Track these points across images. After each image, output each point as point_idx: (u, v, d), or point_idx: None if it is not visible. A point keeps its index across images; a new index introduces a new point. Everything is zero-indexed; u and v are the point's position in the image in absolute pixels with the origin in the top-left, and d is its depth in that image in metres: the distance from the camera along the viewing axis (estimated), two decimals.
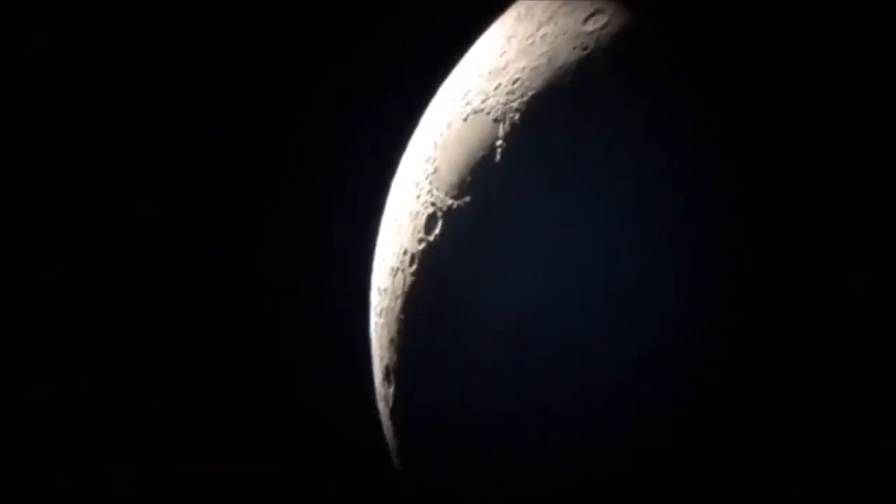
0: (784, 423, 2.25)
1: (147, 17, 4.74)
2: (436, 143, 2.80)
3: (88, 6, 4.71)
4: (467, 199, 2.60)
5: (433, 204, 2.70)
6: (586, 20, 2.58)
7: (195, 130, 4.82)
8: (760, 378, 2.24)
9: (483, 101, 2.67)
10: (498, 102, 2.63)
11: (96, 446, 4.72)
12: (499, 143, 2.57)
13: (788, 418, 2.24)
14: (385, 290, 2.84)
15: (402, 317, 2.75)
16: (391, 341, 2.80)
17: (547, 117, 2.51)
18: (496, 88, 2.66)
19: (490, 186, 2.56)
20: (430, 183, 2.74)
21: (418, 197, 2.77)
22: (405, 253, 2.76)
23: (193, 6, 4.71)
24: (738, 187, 2.29)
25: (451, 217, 2.63)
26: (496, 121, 2.60)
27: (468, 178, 2.61)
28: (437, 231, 2.67)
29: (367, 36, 4.79)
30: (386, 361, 2.85)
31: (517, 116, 2.56)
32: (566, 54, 2.55)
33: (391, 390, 2.84)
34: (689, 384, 2.29)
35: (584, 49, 2.53)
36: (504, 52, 2.73)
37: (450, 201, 2.64)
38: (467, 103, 2.73)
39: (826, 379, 2.23)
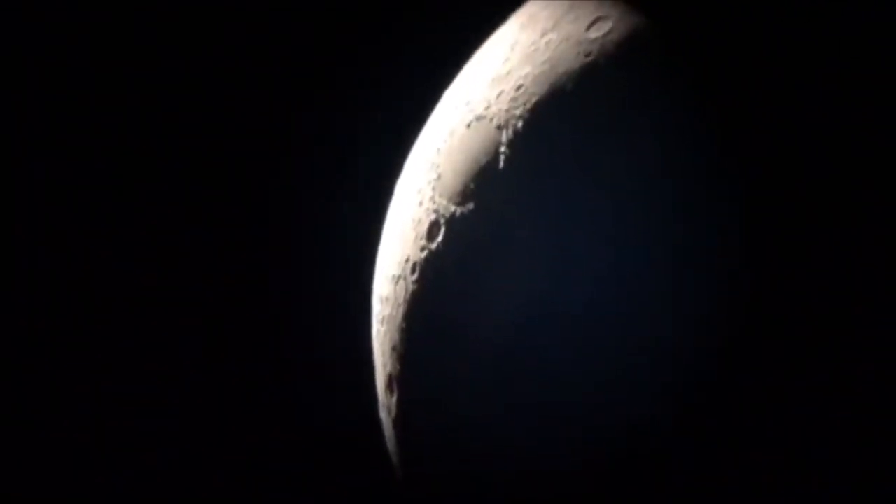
0: (786, 423, 2.23)
1: (145, 14, 4.74)
2: (439, 149, 2.79)
3: (87, 4, 4.71)
4: (470, 206, 2.59)
5: (436, 211, 2.68)
6: (590, 27, 2.57)
7: (199, 139, 4.81)
8: (764, 376, 2.23)
9: (486, 108, 2.66)
10: (501, 109, 2.62)
11: (94, 446, 4.72)
12: (502, 149, 2.56)
13: (791, 419, 2.23)
14: (387, 298, 2.83)
15: (403, 325, 2.74)
16: (393, 349, 2.79)
17: (550, 124, 2.50)
18: (499, 95, 2.65)
19: (493, 193, 2.55)
20: (433, 189, 2.72)
21: (421, 204, 2.76)
22: (407, 261, 2.75)
23: (196, 6, 4.71)
24: (740, 194, 2.28)
25: (453, 224, 2.62)
26: (499, 128, 2.59)
27: (471, 185, 2.60)
28: (439, 238, 2.65)
29: (370, 42, 4.78)
30: (388, 370, 2.84)
31: (520, 123, 2.55)
32: (569, 61, 2.54)
33: (394, 399, 2.83)
34: (690, 387, 2.28)
35: (588, 56, 2.52)
36: (507, 59, 2.72)
37: (452, 208, 2.63)
38: (470, 110, 2.72)
39: (827, 380, 2.22)
